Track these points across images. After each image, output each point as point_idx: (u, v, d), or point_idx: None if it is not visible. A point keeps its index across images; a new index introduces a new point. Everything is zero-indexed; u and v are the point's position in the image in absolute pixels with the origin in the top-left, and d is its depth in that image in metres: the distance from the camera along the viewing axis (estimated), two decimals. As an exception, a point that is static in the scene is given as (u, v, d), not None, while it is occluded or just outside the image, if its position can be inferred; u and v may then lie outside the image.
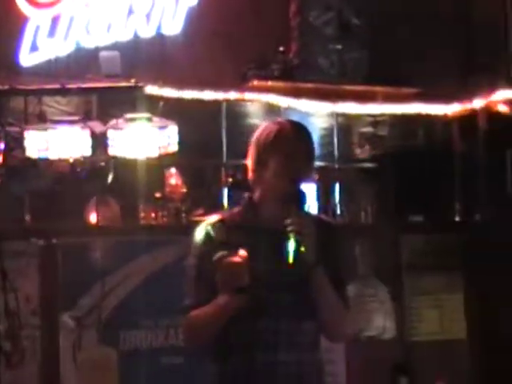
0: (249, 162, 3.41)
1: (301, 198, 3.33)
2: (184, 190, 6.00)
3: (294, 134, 3.42)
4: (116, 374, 5.70)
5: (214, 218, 3.41)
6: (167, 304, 5.73)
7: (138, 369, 5.73)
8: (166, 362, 5.84)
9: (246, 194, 3.43)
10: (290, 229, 3.25)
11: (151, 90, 5.63)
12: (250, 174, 3.39)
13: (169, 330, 5.87)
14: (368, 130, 6.87)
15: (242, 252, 3.10)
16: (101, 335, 5.73)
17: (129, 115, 5.55)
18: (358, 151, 6.83)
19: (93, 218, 5.82)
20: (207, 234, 3.36)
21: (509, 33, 6.90)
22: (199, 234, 3.37)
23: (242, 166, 3.79)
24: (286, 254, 3.25)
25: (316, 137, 6.61)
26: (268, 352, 3.20)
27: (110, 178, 5.81)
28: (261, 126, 3.48)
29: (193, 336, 3.33)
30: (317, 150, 6.46)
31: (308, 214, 3.25)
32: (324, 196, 6.57)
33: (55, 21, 5.73)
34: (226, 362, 3.27)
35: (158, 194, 5.96)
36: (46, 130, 5.39)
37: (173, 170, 5.97)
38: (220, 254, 3.14)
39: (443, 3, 6.97)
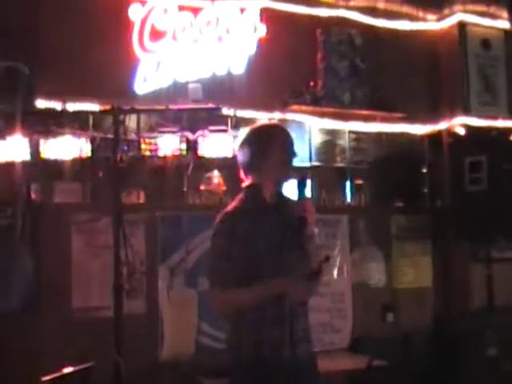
0: (249, 155, 3.13)
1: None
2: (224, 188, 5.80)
3: (289, 136, 3.20)
4: (195, 307, 5.55)
5: (229, 207, 3.12)
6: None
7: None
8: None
9: (247, 183, 3.15)
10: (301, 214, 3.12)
11: (225, 110, 5.52)
12: (250, 166, 3.14)
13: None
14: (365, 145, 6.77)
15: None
16: (186, 280, 5.56)
17: (211, 127, 5.49)
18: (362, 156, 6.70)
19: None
20: (228, 221, 3.08)
21: (465, 77, 6.78)
22: (223, 220, 3.08)
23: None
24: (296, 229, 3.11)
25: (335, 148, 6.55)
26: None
27: (189, 170, 5.70)
28: (252, 126, 3.22)
29: (226, 309, 3.02)
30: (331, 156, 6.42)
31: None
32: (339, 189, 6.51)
33: (159, 62, 5.59)
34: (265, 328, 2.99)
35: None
36: (156, 137, 5.32)
37: (215, 172, 5.78)
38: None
39: (421, 56, 6.82)
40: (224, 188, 5.84)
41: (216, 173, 5.79)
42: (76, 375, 3.17)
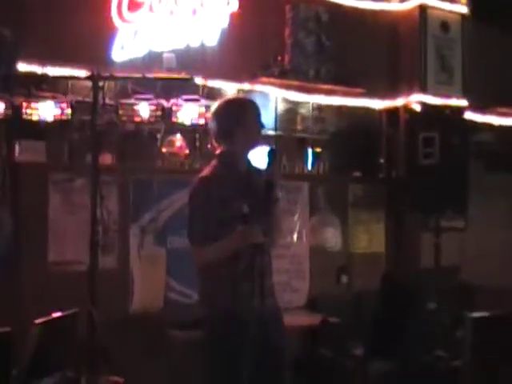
0: (223, 124, 3.42)
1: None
2: (187, 151, 6.03)
3: (259, 108, 3.54)
4: (164, 264, 5.85)
5: (205, 172, 3.44)
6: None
7: (177, 261, 5.81)
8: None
9: (220, 151, 3.45)
10: (271, 176, 3.44)
11: (197, 80, 5.76)
12: (224, 134, 3.44)
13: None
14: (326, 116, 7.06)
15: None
16: (155, 239, 5.83)
17: (184, 96, 5.72)
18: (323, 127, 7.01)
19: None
20: (205, 184, 3.38)
21: (423, 57, 7.10)
22: (200, 184, 3.40)
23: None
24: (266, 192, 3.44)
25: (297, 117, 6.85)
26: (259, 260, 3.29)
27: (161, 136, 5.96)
28: (225, 98, 3.64)
29: (205, 264, 3.31)
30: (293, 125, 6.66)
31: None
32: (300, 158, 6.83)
33: (136, 32, 5.80)
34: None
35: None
36: (132, 104, 5.56)
37: (178, 136, 5.98)
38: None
39: (383, 35, 7.12)
40: (186, 151, 6.05)
41: (178, 136, 5.99)
42: (65, 319, 3.45)
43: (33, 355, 3.33)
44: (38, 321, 3.29)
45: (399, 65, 7.16)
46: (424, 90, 7.01)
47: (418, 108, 6.98)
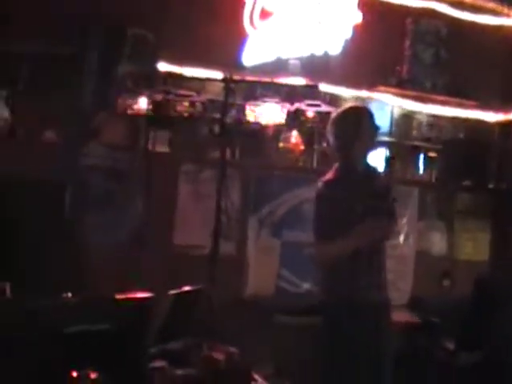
0: (342, 132, 3.78)
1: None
2: (302, 147, 6.39)
3: (373, 115, 3.88)
4: (278, 255, 6.26)
5: (328, 176, 3.84)
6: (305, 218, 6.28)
7: (290, 253, 6.25)
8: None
9: (340, 157, 3.81)
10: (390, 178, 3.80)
11: (321, 87, 6.12)
12: (343, 141, 3.78)
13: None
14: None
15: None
16: (272, 231, 6.25)
17: (308, 101, 6.14)
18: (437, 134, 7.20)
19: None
20: (328, 187, 3.76)
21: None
22: (323, 186, 3.78)
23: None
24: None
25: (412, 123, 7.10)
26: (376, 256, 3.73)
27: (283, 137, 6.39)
28: (342, 109, 3.94)
29: (327, 259, 3.69)
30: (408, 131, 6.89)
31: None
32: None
33: (265, 39, 6.23)
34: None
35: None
36: (260, 105, 6.04)
37: (294, 133, 6.34)
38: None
39: (500, 49, 7.24)
40: (301, 147, 6.41)
41: (294, 133, 6.36)
42: (192, 293, 3.90)
43: (163, 321, 3.79)
44: (171, 292, 3.75)
45: (512, 80, 7.29)
46: (538, 105, 7.13)
47: (529, 123, 7.10)
